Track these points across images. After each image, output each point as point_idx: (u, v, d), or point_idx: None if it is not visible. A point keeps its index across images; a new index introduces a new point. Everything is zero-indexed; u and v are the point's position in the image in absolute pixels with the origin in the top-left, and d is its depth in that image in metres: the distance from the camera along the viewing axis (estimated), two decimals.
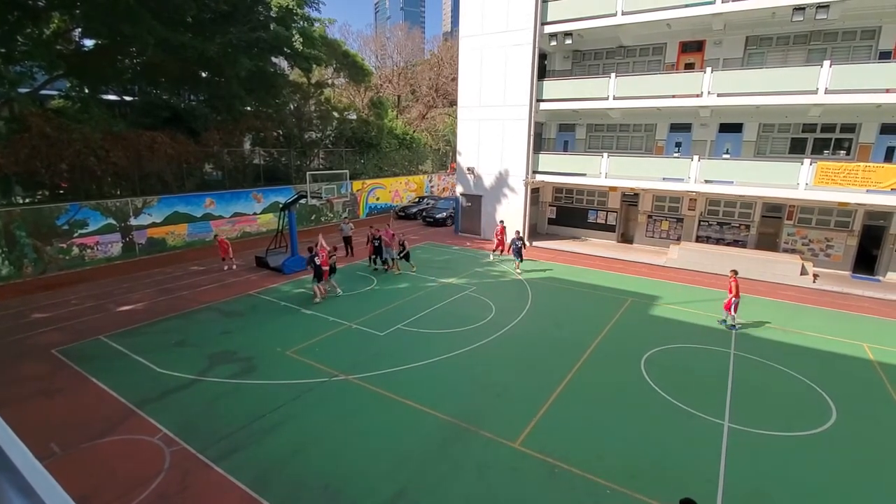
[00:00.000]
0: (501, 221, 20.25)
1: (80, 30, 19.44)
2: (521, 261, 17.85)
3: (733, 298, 12.68)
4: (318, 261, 14.18)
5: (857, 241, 18.30)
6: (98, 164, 18.09)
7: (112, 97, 22.55)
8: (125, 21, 17.06)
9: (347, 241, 20.35)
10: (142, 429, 7.96)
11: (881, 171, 15.67)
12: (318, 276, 14.33)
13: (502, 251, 19.20)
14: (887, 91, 15.28)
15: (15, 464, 0.85)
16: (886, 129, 17.31)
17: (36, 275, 16.28)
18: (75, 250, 17.27)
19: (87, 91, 20.45)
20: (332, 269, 15.07)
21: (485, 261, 19.66)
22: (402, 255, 17.52)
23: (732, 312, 12.71)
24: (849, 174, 16.01)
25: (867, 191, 15.91)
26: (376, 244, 17.80)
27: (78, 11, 18.03)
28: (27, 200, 17.59)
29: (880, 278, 17.90)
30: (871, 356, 11.35)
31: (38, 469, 0.86)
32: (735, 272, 13.01)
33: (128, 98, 22.98)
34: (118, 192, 19.48)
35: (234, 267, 17.85)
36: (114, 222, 18.29)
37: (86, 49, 19.98)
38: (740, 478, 7.02)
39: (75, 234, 17.21)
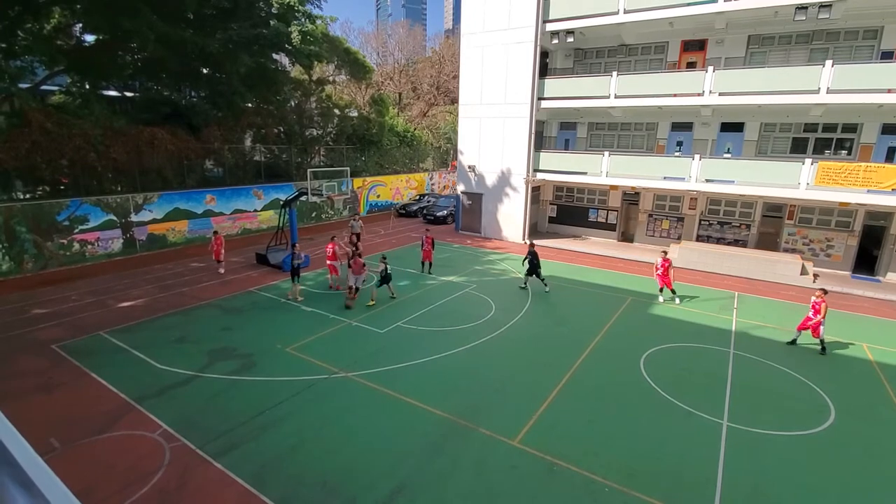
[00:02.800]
0: (664, 252, 15.47)
1: (80, 25, 19.39)
2: (542, 280, 15.35)
3: (819, 319, 11.28)
4: (296, 262, 14.07)
5: (857, 241, 18.30)
6: (98, 160, 18.09)
7: (112, 93, 22.52)
8: (125, 16, 17.02)
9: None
10: (141, 424, 7.98)
11: (882, 171, 15.66)
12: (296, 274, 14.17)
13: (665, 287, 14.89)
14: (889, 91, 15.26)
15: (16, 458, 0.85)
16: (888, 130, 17.30)
17: (36, 270, 16.28)
18: (76, 246, 17.28)
19: (87, 86, 20.43)
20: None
21: (486, 258, 19.62)
22: (382, 276, 14.18)
23: (820, 335, 11.41)
24: (850, 174, 16.00)
25: (868, 191, 15.91)
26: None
27: (79, 6, 17.99)
28: (27, 196, 17.58)
29: (880, 279, 17.91)
30: (871, 356, 11.37)
31: (39, 464, 0.86)
32: (824, 291, 11.64)
33: (128, 94, 22.96)
34: (119, 188, 19.46)
35: (222, 271, 16.87)
36: (114, 218, 18.29)
37: (86, 44, 19.94)
38: (739, 476, 7.04)
39: (76, 230, 17.21)
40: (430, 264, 17.45)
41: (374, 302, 13.90)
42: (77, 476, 6.69)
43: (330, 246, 15.26)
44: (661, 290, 14.90)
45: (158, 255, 19.13)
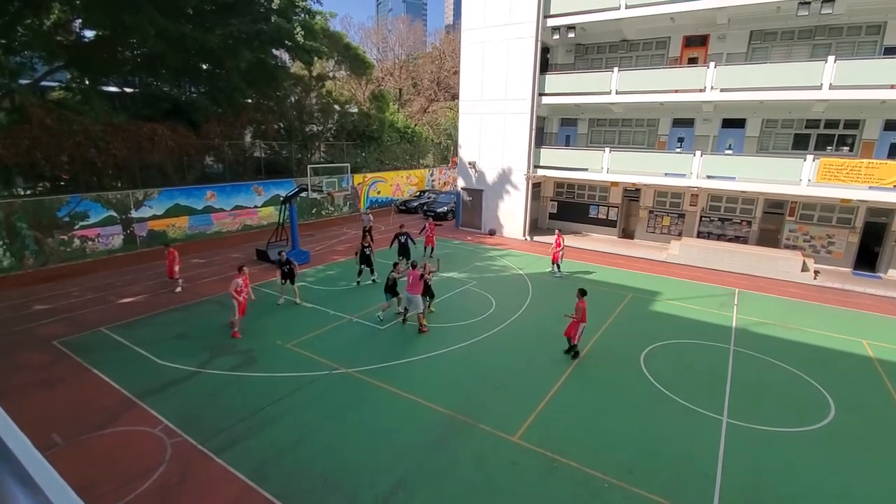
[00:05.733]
0: (558, 230, 18.39)
1: (80, 20, 19.33)
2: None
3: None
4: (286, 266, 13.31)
5: (858, 237, 18.27)
6: (99, 156, 18.09)
7: (112, 88, 22.45)
8: (125, 11, 16.97)
9: (368, 232, 20.47)
10: (143, 420, 8.00)
11: (884, 167, 15.60)
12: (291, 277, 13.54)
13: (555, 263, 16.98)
14: (892, 87, 15.19)
15: (15, 454, 0.84)
16: (890, 126, 17.23)
17: (37, 266, 16.30)
18: (76, 242, 17.28)
19: (87, 82, 20.37)
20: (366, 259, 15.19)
21: (487, 255, 19.65)
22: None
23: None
24: (852, 171, 15.95)
25: (870, 187, 15.86)
26: (403, 240, 16.30)
27: (78, 2, 17.93)
28: (28, 192, 17.58)
29: (881, 275, 17.88)
30: (871, 353, 11.36)
31: (39, 459, 0.86)
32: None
33: (128, 90, 22.88)
34: (119, 185, 19.45)
35: (179, 290, 14.38)
36: (115, 214, 18.29)
37: (86, 40, 19.87)
38: (738, 472, 7.05)
39: (76, 226, 17.21)
40: (433, 248, 18.73)
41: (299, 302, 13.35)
42: (78, 471, 6.72)
43: (241, 279, 11.38)
44: (554, 264, 17.01)
45: (159, 251, 19.04)
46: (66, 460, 6.98)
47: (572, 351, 10.70)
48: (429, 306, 12.99)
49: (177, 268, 14.28)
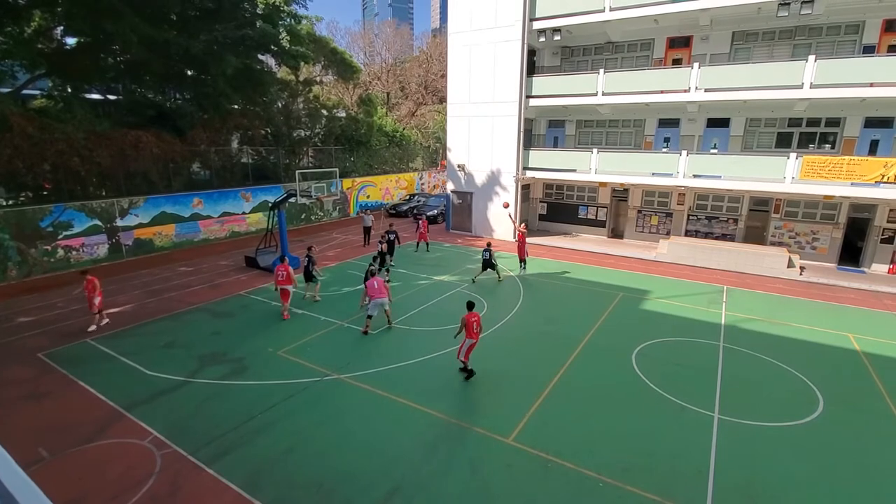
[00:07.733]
0: (524, 223, 19.15)
1: (61, 28, 19.07)
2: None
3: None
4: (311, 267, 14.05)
5: (842, 233, 18.59)
6: (82, 165, 17.80)
7: (96, 96, 22.15)
8: (107, 18, 16.77)
9: (367, 231, 21.76)
10: (132, 432, 7.86)
11: (865, 164, 15.90)
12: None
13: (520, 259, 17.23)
14: (871, 85, 15.50)
15: None
16: (870, 123, 17.57)
17: (20, 277, 15.99)
18: (60, 252, 16.99)
19: (69, 90, 20.07)
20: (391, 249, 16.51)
21: (477, 257, 19.63)
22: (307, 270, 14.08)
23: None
24: (834, 167, 16.23)
25: (852, 184, 16.15)
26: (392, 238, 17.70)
27: (60, 9, 17.70)
28: (10, 202, 17.26)
29: (865, 270, 18.20)
30: (857, 346, 11.54)
31: (21, 476, 0.83)
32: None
33: (112, 97, 22.60)
34: (103, 193, 19.18)
35: (105, 322, 12.23)
36: (99, 223, 18.01)
37: (68, 47, 19.61)
38: (731, 468, 7.11)
39: (60, 236, 16.93)
40: (427, 244, 20.57)
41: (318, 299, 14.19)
42: (67, 486, 6.57)
43: (283, 269, 12.52)
44: (521, 262, 17.18)
45: (145, 259, 18.87)
46: (53, 475, 6.82)
47: (465, 372, 9.71)
48: (498, 276, 16.18)
49: (97, 300, 11.84)
